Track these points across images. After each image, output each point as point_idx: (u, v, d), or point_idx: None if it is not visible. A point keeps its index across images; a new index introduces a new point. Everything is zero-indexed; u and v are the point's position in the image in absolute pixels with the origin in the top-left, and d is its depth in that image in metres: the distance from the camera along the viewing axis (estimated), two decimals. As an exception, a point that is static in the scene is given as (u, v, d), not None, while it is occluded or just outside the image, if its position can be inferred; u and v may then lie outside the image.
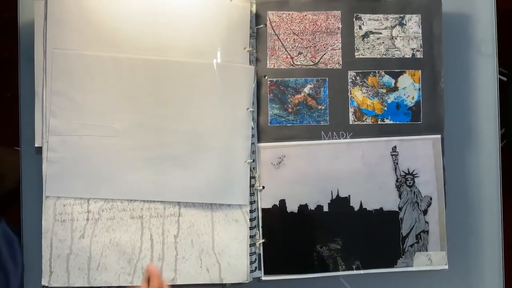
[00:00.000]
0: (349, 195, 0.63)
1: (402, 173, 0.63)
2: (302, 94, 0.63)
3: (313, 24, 0.63)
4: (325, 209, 0.63)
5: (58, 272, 0.60)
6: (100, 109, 0.60)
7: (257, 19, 0.63)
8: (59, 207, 0.60)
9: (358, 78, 0.63)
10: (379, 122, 0.63)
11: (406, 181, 0.63)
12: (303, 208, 0.62)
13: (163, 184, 0.60)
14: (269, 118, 0.63)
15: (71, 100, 0.60)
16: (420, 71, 0.63)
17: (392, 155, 0.63)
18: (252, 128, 0.62)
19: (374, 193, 0.63)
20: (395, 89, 0.63)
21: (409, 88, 0.63)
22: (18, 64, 0.64)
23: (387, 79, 0.63)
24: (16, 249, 0.65)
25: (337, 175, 0.63)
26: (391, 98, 0.63)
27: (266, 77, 0.63)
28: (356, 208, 0.63)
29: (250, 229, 0.61)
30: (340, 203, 0.63)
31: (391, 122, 0.63)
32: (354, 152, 0.63)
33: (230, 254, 0.61)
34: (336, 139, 0.63)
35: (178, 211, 0.61)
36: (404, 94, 0.63)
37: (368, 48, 0.63)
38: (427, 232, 0.63)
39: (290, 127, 0.63)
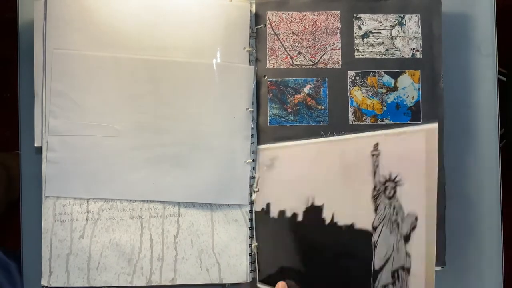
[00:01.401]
0: (323, 204, 0.55)
1: (382, 179, 0.50)
2: (302, 94, 0.63)
3: (313, 24, 0.63)
4: (299, 218, 0.57)
5: (58, 272, 0.60)
6: (100, 109, 0.60)
7: (257, 19, 0.63)
8: (59, 207, 0.60)
9: (357, 78, 0.63)
10: (379, 122, 0.63)
11: (385, 190, 0.49)
12: (281, 214, 0.59)
13: (162, 184, 0.60)
14: (268, 118, 0.63)
15: (71, 100, 0.60)
16: (419, 71, 0.63)
17: (372, 154, 0.51)
18: (252, 128, 0.62)
19: (348, 204, 0.51)
20: (394, 89, 0.63)
21: (408, 88, 0.63)
22: (17, 64, 0.64)
23: (386, 79, 0.63)
24: (14, 275, 0.65)
25: (315, 179, 0.55)
26: (390, 98, 0.63)
27: (266, 77, 0.63)
28: (328, 220, 0.54)
29: (249, 229, 0.61)
30: (313, 213, 0.55)
31: (391, 122, 0.63)
32: (332, 152, 0.54)
33: (229, 254, 0.61)
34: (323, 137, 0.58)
35: (178, 211, 0.61)
36: (404, 94, 0.63)
37: (368, 48, 0.63)
38: (408, 270, 0.48)
39: (290, 127, 0.63)
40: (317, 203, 0.55)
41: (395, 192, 0.48)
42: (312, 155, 0.55)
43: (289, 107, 0.63)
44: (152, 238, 0.60)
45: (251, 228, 0.61)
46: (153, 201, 0.61)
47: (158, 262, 0.60)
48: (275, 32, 0.63)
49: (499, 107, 0.66)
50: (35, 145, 0.61)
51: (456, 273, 0.64)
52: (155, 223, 0.61)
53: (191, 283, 0.60)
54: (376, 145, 0.50)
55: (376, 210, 0.49)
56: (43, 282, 0.59)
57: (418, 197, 0.47)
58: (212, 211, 0.61)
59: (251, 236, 0.61)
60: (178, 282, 0.60)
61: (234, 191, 0.61)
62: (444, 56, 0.63)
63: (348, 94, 0.63)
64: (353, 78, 0.63)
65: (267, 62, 0.63)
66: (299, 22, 0.63)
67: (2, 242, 1.15)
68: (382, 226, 0.48)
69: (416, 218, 0.48)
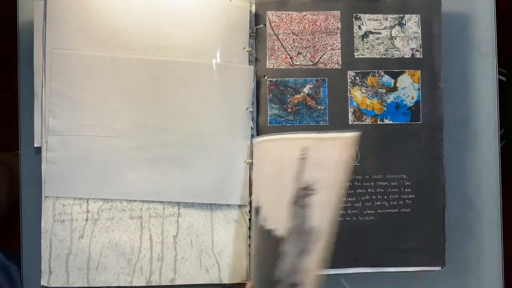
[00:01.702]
0: (261, 206, 0.54)
1: (301, 186, 0.45)
2: (302, 94, 0.63)
3: (313, 24, 0.63)
4: (252, 220, 0.59)
5: (58, 272, 0.60)
6: (99, 109, 0.60)
7: (257, 19, 0.63)
8: (59, 207, 0.60)
9: (357, 78, 0.63)
10: (379, 122, 0.63)
11: (303, 198, 0.45)
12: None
13: (162, 184, 0.60)
14: (268, 118, 0.63)
15: (70, 100, 0.60)
16: (419, 71, 0.63)
17: (300, 159, 0.45)
18: (252, 128, 0.62)
19: (275, 208, 0.48)
20: (394, 89, 0.63)
21: (408, 88, 0.63)
22: (17, 64, 0.64)
23: (386, 79, 0.63)
24: (14, 278, 0.65)
25: (256, 181, 0.57)
26: (390, 98, 0.63)
27: (266, 77, 0.63)
28: (261, 223, 0.53)
29: (249, 229, 0.61)
30: (256, 215, 0.56)
31: (391, 122, 0.63)
32: (267, 153, 0.52)
33: (229, 254, 0.61)
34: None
35: (178, 211, 0.61)
36: (404, 94, 0.63)
37: (368, 48, 0.63)
38: (301, 285, 0.43)
39: (290, 127, 0.63)
40: (259, 204, 0.54)
41: (308, 202, 0.44)
42: (256, 155, 0.56)
43: (289, 107, 0.63)
44: (151, 238, 0.60)
45: (250, 228, 0.61)
46: (152, 201, 0.61)
47: (157, 262, 0.60)
48: (275, 32, 0.63)
49: (499, 107, 0.66)
50: (35, 145, 0.61)
51: (456, 273, 0.64)
52: (154, 223, 0.61)
53: (191, 283, 0.60)
54: (306, 149, 0.45)
55: (292, 218, 0.45)
56: (43, 282, 0.59)
57: (325, 210, 0.42)
58: (212, 211, 0.61)
59: (251, 236, 0.61)
60: (178, 282, 0.60)
61: (234, 191, 0.61)
62: (444, 56, 0.63)
63: (348, 94, 0.63)
64: (353, 78, 0.63)
65: (267, 62, 0.63)
66: (299, 22, 0.63)
67: (2, 242, 1.15)
68: (292, 236, 0.45)
69: (318, 231, 0.43)
